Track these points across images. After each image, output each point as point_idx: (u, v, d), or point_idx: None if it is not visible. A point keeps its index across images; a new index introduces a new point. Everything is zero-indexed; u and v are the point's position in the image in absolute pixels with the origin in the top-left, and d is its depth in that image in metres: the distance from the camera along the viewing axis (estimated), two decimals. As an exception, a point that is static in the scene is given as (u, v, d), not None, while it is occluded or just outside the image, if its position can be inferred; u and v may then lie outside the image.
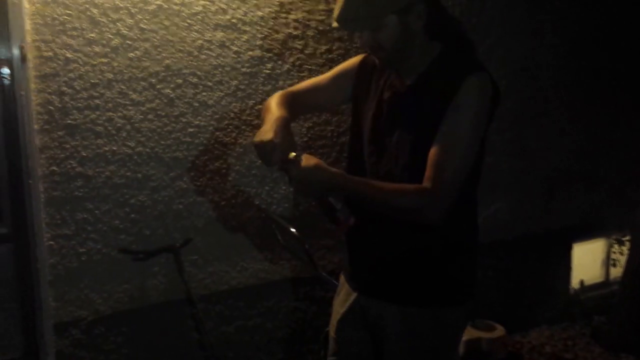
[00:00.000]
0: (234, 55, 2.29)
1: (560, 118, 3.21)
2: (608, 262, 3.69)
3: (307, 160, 1.34)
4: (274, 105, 1.50)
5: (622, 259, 3.43)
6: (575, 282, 3.49)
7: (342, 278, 1.68)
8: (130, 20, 2.09)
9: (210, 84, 2.26)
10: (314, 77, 2.42)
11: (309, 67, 2.44)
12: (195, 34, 2.20)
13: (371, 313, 1.54)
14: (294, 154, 1.37)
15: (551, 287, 3.39)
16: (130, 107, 2.14)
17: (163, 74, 2.17)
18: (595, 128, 3.35)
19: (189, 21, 2.19)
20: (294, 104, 1.56)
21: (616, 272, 3.60)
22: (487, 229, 3.15)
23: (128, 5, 2.08)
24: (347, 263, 1.62)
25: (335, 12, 1.38)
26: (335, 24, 1.41)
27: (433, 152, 1.34)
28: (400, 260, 1.47)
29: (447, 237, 1.45)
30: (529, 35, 3.03)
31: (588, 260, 3.57)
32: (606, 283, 3.68)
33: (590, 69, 3.27)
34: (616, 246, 3.62)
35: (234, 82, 2.30)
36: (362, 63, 1.59)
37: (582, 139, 3.32)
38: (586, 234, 3.49)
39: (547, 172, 3.22)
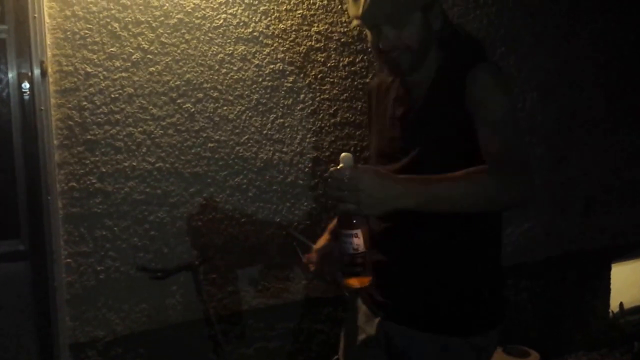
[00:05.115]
0: (255, 69, 2.24)
1: (597, 130, 3.07)
2: (650, 283, 3.50)
3: (366, 171, 1.13)
4: None
5: (665, 281, 3.25)
6: (614, 305, 3.33)
7: (357, 303, 1.57)
8: (151, 35, 2.07)
9: (231, 97, 2.22)
10: (335, 89, 2.40)
11: (331, 80, 2.39)
12: (217, 47, 2.17)
13: (395, 341, 1.44)
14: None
15: (589, 310, 3.22)
16: (150, 122, 2.11)
17: (184, 88, 2.14)
18: (635, 141, 3.20)
19: (210, 35, 2.16)
20: None
21: (658, 294, 3.42)
22: (521, 248, 3.06)
23: (149, 19, 2.06)
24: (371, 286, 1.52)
25: (360, 9, 1.31)
26: (355, 22, 1.34)
27: (486, 149, 1.20)
28: (432, 286, 1.38)
29: (478, 259, 1.37)
30: (564, 45, 2.92)
31: (628, 282, 3.40)
32: (648, 306, 3.50)
33: (630, 79, 3.14)
34: (658, 267, 3.44)
35: (255, 96, 2.26)
36: (368, 90, 1.59)
37: (622, 153, 3.17)
38: (626, 253, 3.33)
39: (584, 187, 3.08)
